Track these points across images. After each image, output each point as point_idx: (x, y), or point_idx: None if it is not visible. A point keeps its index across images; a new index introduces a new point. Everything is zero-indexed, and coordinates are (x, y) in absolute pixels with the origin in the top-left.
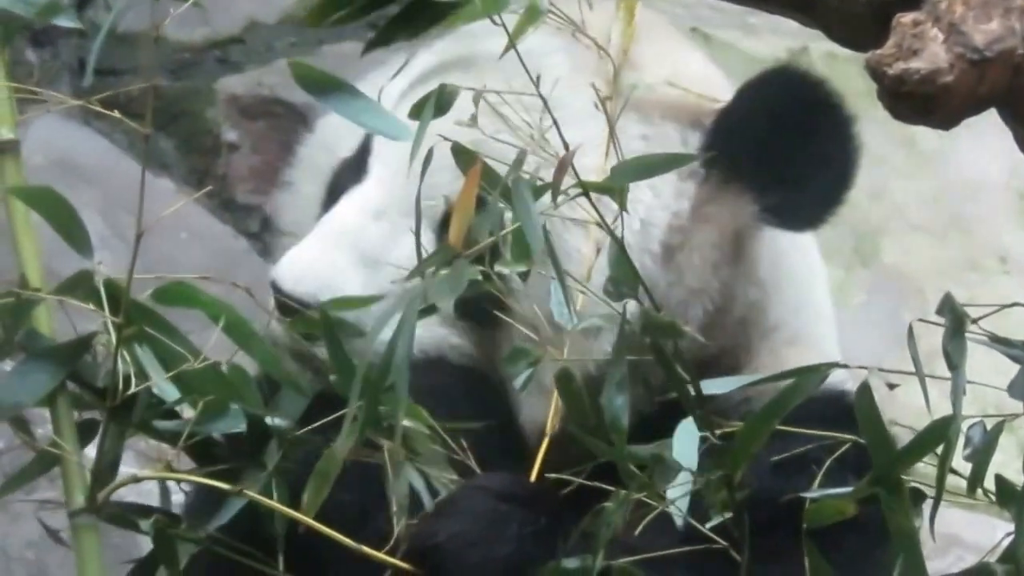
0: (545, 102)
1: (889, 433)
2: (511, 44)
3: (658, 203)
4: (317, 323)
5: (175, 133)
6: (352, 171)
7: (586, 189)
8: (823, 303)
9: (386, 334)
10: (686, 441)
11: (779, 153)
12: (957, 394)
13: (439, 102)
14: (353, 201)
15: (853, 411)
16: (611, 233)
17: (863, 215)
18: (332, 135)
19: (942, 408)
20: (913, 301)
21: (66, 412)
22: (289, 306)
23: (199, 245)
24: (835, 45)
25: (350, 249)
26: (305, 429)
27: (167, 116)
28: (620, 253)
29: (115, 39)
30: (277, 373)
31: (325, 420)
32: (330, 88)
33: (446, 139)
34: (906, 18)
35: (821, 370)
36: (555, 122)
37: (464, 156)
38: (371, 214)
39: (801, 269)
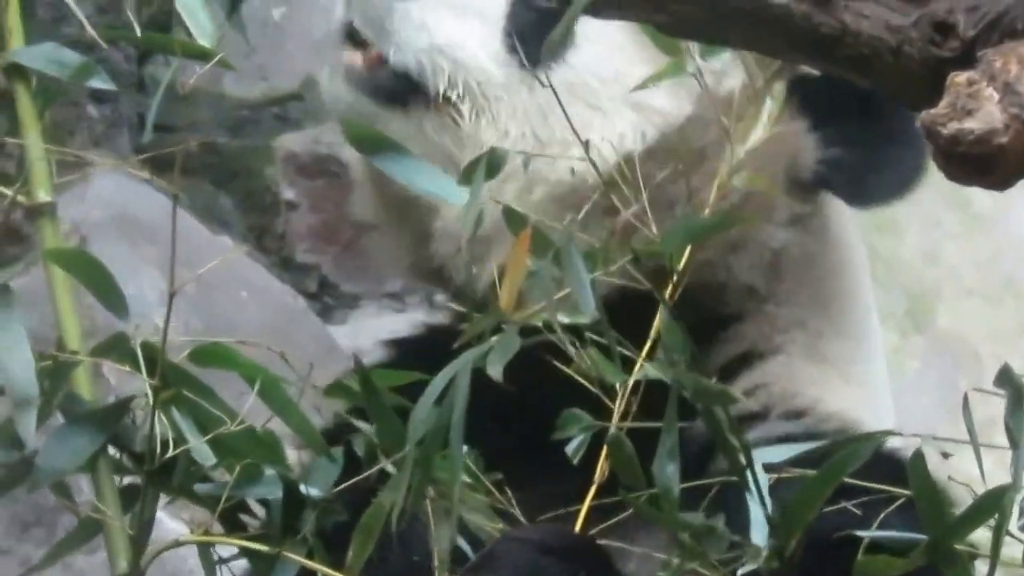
0: (595, 166)
1: (944, 502)
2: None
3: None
4: (357, 394)
5: (234, 191)
6: None
7: (637, 254)
8: (876, 347)
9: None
10: (755, 522)
11: (856, 110)
12: (1018, 468)
13: (489, 165)
14: None
15: (904, 470)
16: (662, 300)
17: (917, 278)
18: None
19: (996, 477)
20: (968, 366)
21: (107, 477)
22: None
23: (258, 304)
24: None
25: None
26: (344, 485)
27: (226, 173)
28: (671, 319)
29: (174, 95)
30: (311, 441)
31: (355, 480)
32: (382, 148)
33: (497, 202)
34: (960, 77)
35: (876, 437)
36: (604, 185)
37: (515, 219)
38: None
39: (854, 284)
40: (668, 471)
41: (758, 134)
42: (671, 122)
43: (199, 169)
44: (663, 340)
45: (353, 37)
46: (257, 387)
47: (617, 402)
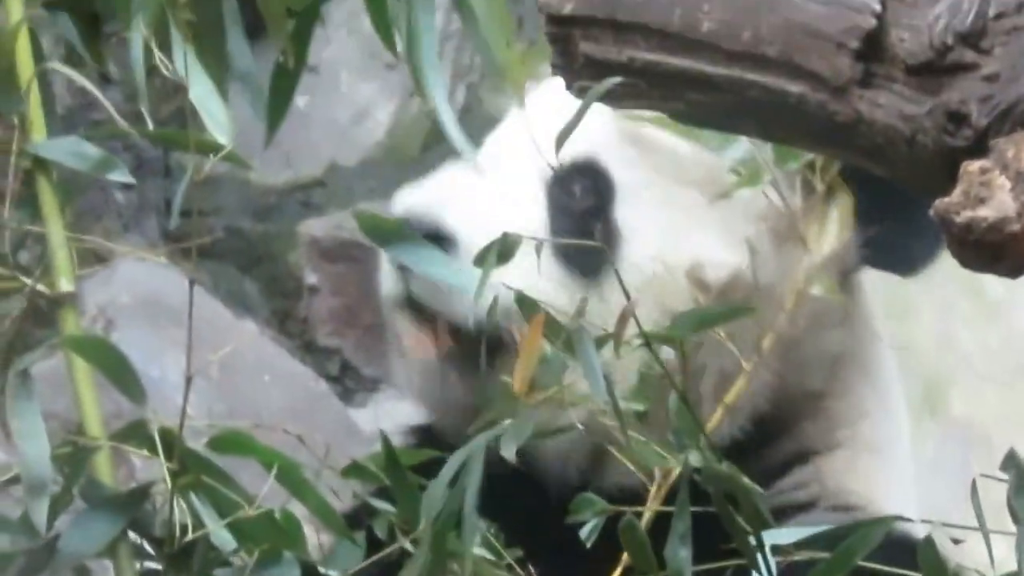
0: (605, 251)
1: None
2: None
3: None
4: (375, 475)
5: (258, 275)
6: None
7: (648, 340)
8: (903, 428)
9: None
10: None
11: (884, 187)
12: (1022, 548)
13: (502, 250)
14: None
15: (914, 554)
16: (674, 385)
17: (931, 364)
18: None
19: (1008, 563)
20: (981, 451)
21: (128, 562)
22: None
23: (280, 387)
24: None
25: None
26: (363, 564)
27: (250, 258)
28: (682, 405)
29: (200, 181)
30: (331, 523)
31: (372, 559)
32: (396, 237)
33: (509, 288)
34: (973, 166)
35: (887, 522)
36: (618, 275)
37: (528, 305)
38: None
39: (891, 382)
40: (680, 556)
41: (831, 239)
42: (732, 271)
43: (224, 254)
44: (674, 425)
45: (412, 307)
46: (274, 472)
47: (653, 489)
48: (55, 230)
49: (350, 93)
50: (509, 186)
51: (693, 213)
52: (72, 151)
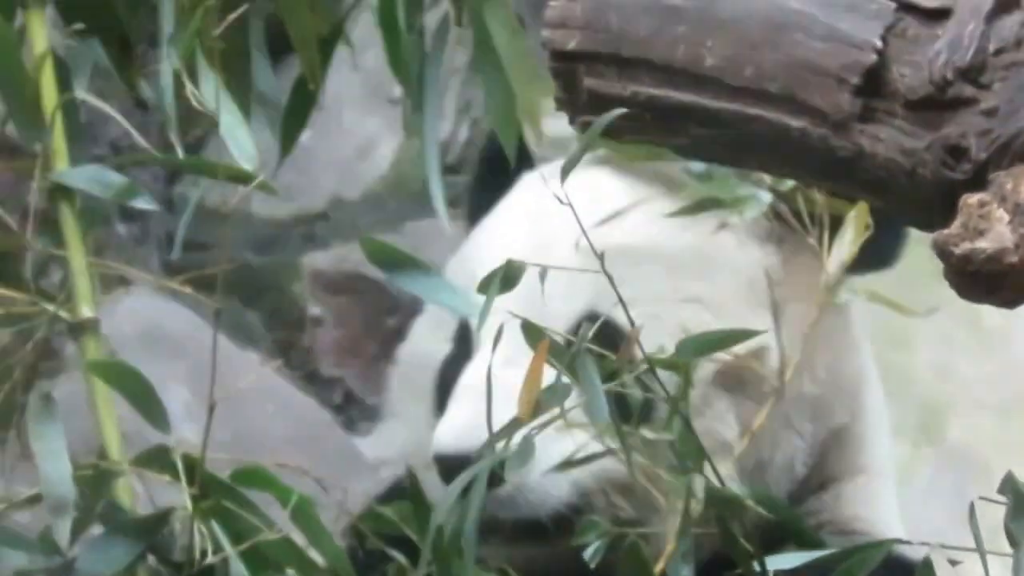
0: (611, 278)
1: None
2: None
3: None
4: (393, 523)
5: (261, 307)
6: (456, 361)
7: (652, 364)
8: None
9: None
10: None
11: None
12: (1019, 572)
13: (505, 277)
14: (479, 363)
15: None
16: (676, 408)
17: (929, 392)
18: (421, 349)
19: None
20: (978, 479)
21: None
22: (453, 468)
23: (284, 417)
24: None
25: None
26: None
27: (253, 290)
28: (685, 428)
29: (203, 214)
30: (339, 566)
31: None
32: (401, 265)
33: (515, 316)
34: (972, 199)
35: (885, 545)
36: (620, 299)
37: (532, 332)
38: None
39: (877, 400)
40: (681, 574)
41: (844, 248)
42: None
43: (227, 286)
44: (677, 448)
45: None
46: (290, 509)
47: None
48: (76, 256)
49: (353, 128)
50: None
51: (692, 284)
52: (95, 179)
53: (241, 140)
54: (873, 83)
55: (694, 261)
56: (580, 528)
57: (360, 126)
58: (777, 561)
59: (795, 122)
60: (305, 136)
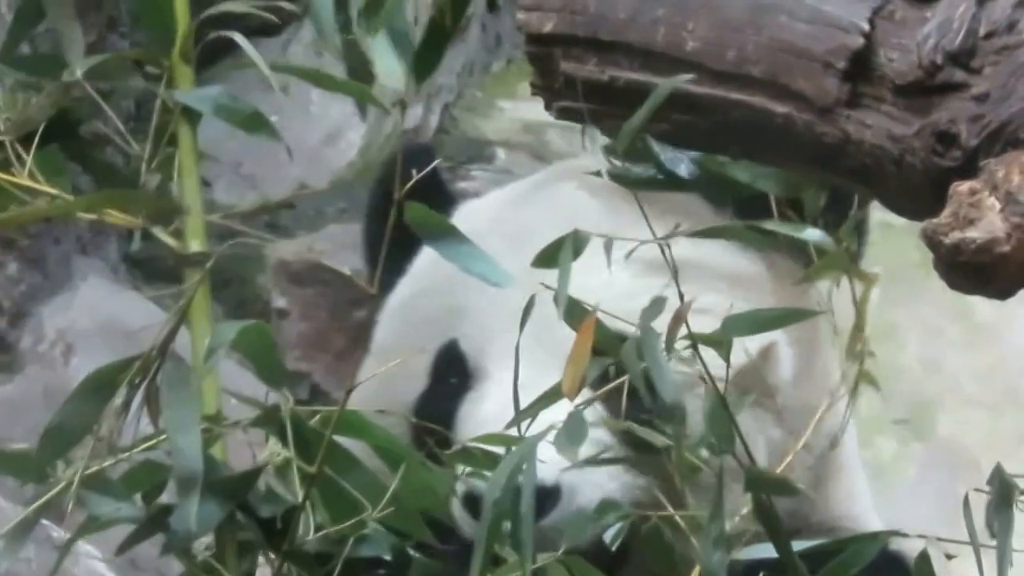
0: (670, 260)
1: None
2: None
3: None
4: (479, 460)
5: (224, 299)
6: (443, 396)
7: (694, 341)
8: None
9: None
10: None
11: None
12: (1003, 564)
13: (575, 246)
14: (496, 393)
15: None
16: (714, 386)
17: (918, 387)
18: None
19: None
20: (967, 475)
21: (231, 543)
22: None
23: (248, 411)
24: (889, 214)
25: None
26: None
27: (216, 281)
28: (718, 407)
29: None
30: (437, 508)
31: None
32: (441, 233)
33: (547, 287)
34: (963, 187)
35: (880, 538)
36: (675, 276)
37: (576, 309)
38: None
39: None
40: (715, 559)
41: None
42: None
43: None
44: (709, 428)
45: None
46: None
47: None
48: (190, 186)
49: (320, 113)
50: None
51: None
52: (221, 103)
53: (388, 58)
54: (860, 67)
55: (700, 273)
56: (599, 507)
57: (327, 111)
58: (755, 551)
59: (779, 108)
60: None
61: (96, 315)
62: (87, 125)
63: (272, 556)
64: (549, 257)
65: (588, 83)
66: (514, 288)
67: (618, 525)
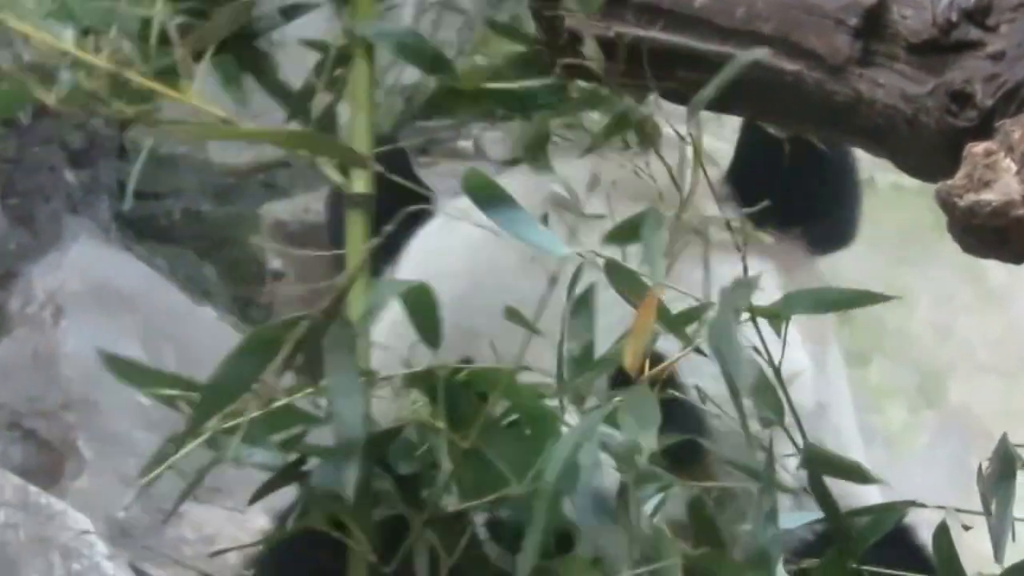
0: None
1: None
2: None
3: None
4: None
5: (218, 260)
6: None
7: (754, 314)
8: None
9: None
10: None
11: (795, 184)
12: (999, 534)
13: (634, 225)
14: None
15: (910, 546)
16: (770, 359)
17: (929, 353)
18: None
19: (1010, 552)
20: (980, 443)
21: (367, 501)
22: None
23: None
24: (902, 176)
25: None
26: None
27: (210, 242)
28: (768, 380)
29: (157, 161)
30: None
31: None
32: (496, 201)
33: (598, 255)
34: (978, 148)
35: (897, 508)
36: (741, 248)
37: (630, 282)
38: None
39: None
40: (768, 534)
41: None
42: None
43: (182, 237)
44: (760, 401)
45: None
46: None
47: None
48: (361, 123)
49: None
50: None
51: None
52: (405, 42)
53: None
54: (873, 25)
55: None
56: (638, 478)
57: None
58: (787, 521)
59: (789, 66)
60: None
61: (87, 276)
62: (264, 39)
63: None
64: (629, 232)
65: (594, 40)
66: (514, 287)
67: (659, 496)
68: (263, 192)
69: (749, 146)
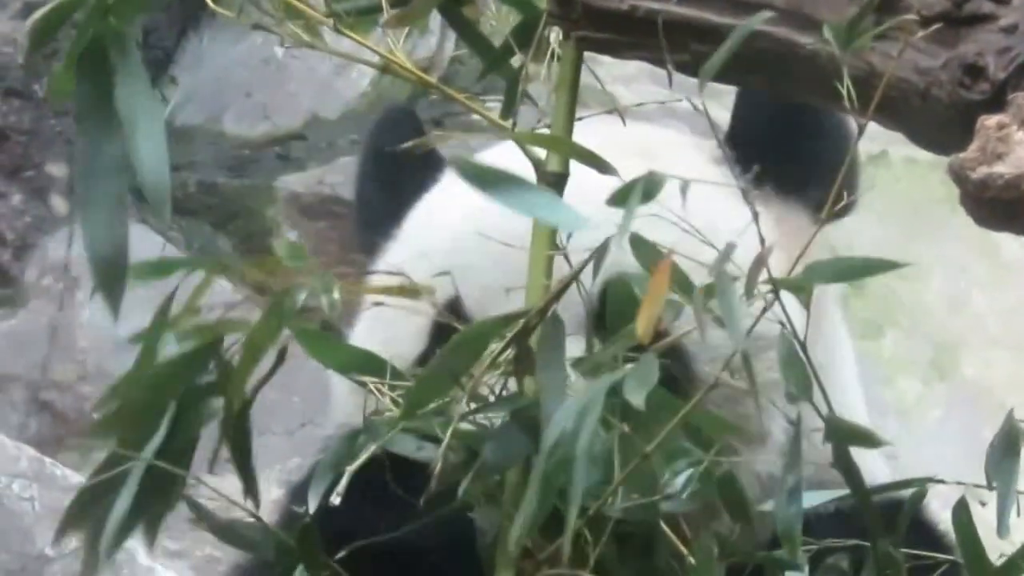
0: (749, 200)
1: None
2: None
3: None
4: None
5: (233, 232)
6: None
7: (777, 287)
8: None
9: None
10: None
11: (795, 150)
12: (1006, 512)
13: (646, 189)
14: None
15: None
16: (795, 334)
17: (941, 327)
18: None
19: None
20: (993, 416)
21: (523, 484)
22: None
23: None
24: (915, 149)
25: None
26: None
27: (225, 214)
28: (795, 354)
29: (171, 132)
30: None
31: None
32: (497, 182)
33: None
34: (990, 121)
35: (915, 483)
36: (756, 217)
37: (645, 249)
38: None
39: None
40: (790, 512)
41: None
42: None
43: (197, 210)
44: (786, 375)
45: None
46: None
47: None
48: (563, 99)
49: (331, 43)
50: None
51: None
52: None
53: None
54: None
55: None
56: (668, 452)
57: (338, 41)
58: (809, 499)
59: (803, 38)
60: (280, 51)
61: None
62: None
63: None
64: (622, 197)
65: (607, 12)
66: (518, 249)
67: (688, 471)
68: (278, 164)
69: (747, 108)
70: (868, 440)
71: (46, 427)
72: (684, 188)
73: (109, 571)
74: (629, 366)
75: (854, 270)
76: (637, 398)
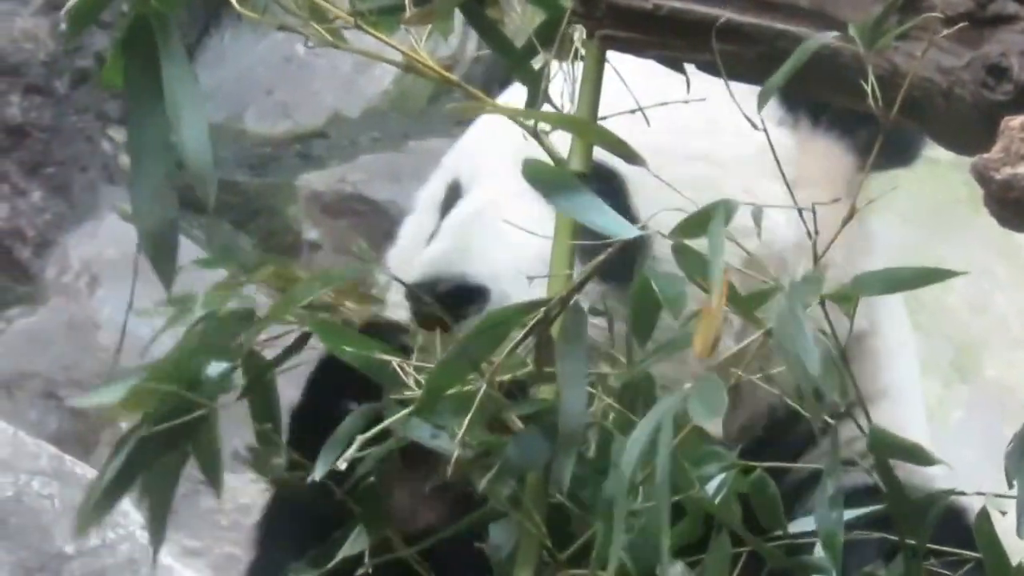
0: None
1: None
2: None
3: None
4: None
5: (255, 230)
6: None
7: (822, 298)
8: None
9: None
10: None
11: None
12: (1021, 510)
13: (726, 213)
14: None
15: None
16: (837, 342)
17: (963, 327)
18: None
19: None
20: (1015, 417)
21: (542, 487)
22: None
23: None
24: (937, 150)
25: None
26: None
27: (246, 213)
28: (836, 363)
29: None
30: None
31: None
32: (560, 185)
33: (663, 236)
34: (1014, 122)
35: (939, 498)
36: (802, 216)
37: (691, 262)
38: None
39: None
40: (831, 518)
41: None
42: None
43: (218, 208)
44: (820, 380)
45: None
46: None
47: None
48: (586, 95)
49: (353, 41)
50: (521, 213)
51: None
52: None
53: None
54: None
55: (698, 120)
56: (699, 459)
57: (360, 39)
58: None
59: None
60: (301, 48)
61: (122, 245)
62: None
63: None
64: (696, 225)
65: (631, 11)
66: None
67: (721, 476)
68: (299, 163)
69: None
70: (915, 455)
71: (66, 425)
72: (757, 216)
73: (126, 567)
74: (688, 386)
75: (903, 281)
76: (712, 425)
